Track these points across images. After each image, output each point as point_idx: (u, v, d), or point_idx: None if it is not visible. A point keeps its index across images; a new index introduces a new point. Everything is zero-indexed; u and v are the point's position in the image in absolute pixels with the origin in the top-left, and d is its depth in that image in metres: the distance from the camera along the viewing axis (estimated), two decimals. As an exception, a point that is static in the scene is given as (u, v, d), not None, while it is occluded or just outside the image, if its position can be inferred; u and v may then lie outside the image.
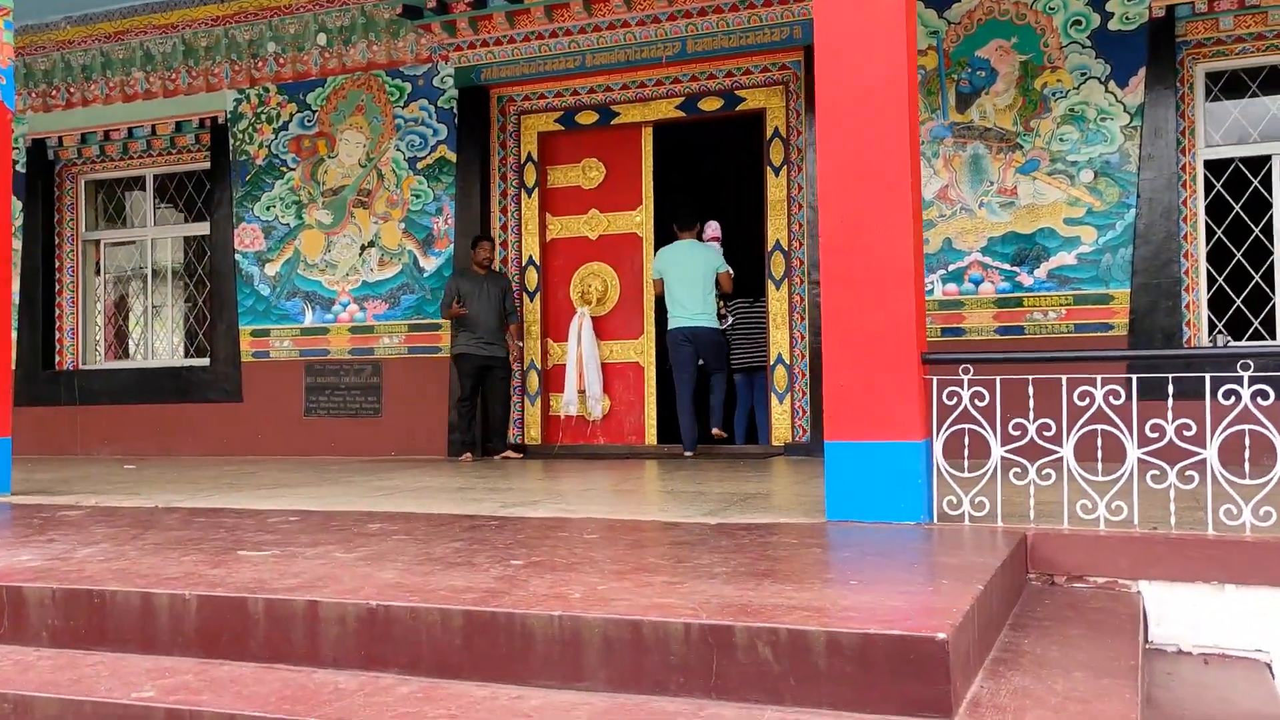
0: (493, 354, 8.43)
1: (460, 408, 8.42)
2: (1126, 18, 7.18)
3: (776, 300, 8.29)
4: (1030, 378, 4.14)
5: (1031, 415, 4.06)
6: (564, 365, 8.85)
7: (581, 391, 8.75)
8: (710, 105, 8.53)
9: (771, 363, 8.31)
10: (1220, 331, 7.15)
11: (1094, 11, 7.26)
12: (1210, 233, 7.23)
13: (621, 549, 3.72)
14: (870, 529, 4.09)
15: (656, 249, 8.81)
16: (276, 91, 9.78)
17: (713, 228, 8.93)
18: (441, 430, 8.99)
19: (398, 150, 9.33)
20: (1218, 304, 7.28)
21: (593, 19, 8.54)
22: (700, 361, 8.39)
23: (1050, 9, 7.38)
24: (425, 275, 9.21)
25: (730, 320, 9.03)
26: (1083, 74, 7.27)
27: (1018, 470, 4.11)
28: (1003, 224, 7.46)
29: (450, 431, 8.84)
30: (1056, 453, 4.02)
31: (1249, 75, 7.19)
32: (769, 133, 8.36)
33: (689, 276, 8.27)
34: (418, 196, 9.26)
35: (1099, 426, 3.95)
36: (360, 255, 9.43)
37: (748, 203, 9.85)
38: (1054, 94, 7.35)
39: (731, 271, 8.59)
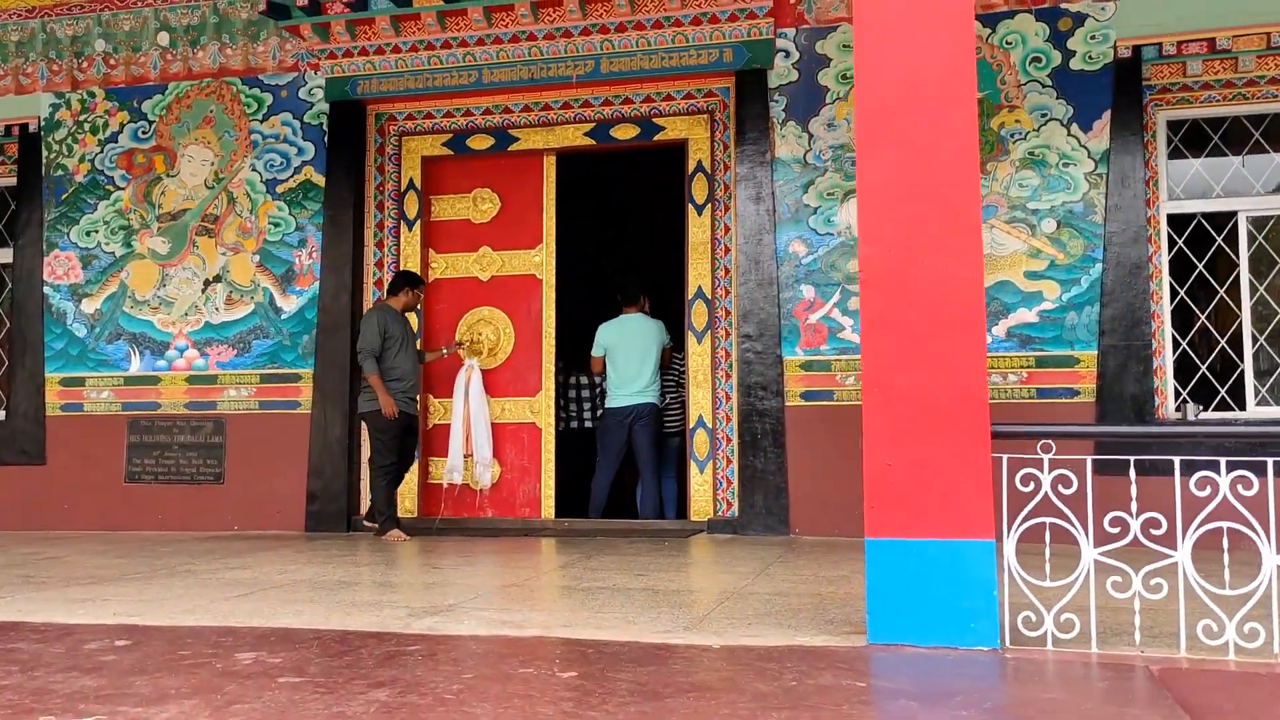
0: (414, 410, 7.18)
1: (389, 474, 6.98)
2: (1090, 56, 6.61)
3: (698, 355, 7.31)
4: (1131, 459, 3.24)
5: (1135, 508, 3.16)
6: (448, 425, 7.60)
7: (468, 456, 7.52)
8: (624, 133, 7.56)
9: (691, 425, 7.30)
10: (1186, 401, 6.56)
11: (1055, 49, 6.67)
12: (1173, 293, 6.67)
13: (633, 706, 2.58)
14: (934, 659, 3.08)
15: (559, 292, 7.74)
16: (104, 97, 8.27)
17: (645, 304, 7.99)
18: (297, 500, 7.57)
19: (254, 171, 7.97)
20: (1179, 370, 6.70)
21: (492, 29, 7.46)
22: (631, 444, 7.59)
23: (1007, 44, 6.75)
24: (283, 317, 7.82)
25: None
26: (1043, 115, 6.65)
27: (1116, 579, 3.19)
28: (957, 276, 6.71)
29: (377, 505, 7.43)
30: (1168, 556, 3.13)
31: (1211, 126, 6.71)
32: (691, 166, 7.43)
33: (640, 352, 7.53)
34: (277, 225, 7.90)
35: (1224, 524, 3.07)
36: (203, 292, 7.96)
37: (666, 245, 8.90)
38: (1012, 135, 6.69)
39: (671, 345, 7.77)
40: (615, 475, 7.57)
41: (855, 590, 4.44)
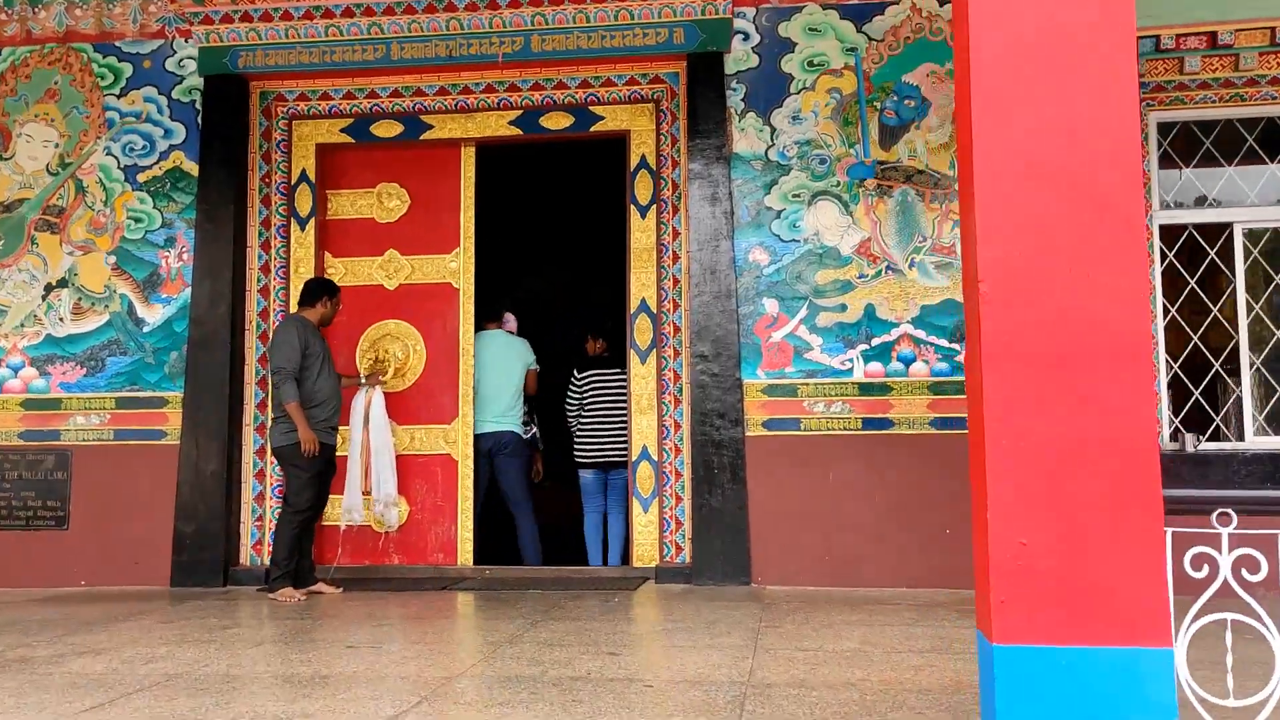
0: (333, 441, 6.01)
1: (302, 520, 5.80)
2: (1082, 49, 5.97)
3: (641, 378, 6.38)
4: (1339, 532, 2.47)
5: (1349, 597, 2.38)
6: (344, 458, 6.47)
7: (366, 493, 6.41)
8: (557, 123, 6.59)
9: (634, 457, 6.36)
10: (1181, 431, 5.96)
11: (1044, 39, 6.01)
12: (1164, 311, 6.08)
13: None
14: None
15: (479, 305, 6.72)
16: (-78, 62, 6.86)
17: (510, 321, 7.04)
18: (160, 549, 6.32)
19: (109, 155, 6.69)
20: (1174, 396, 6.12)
21: (404, -4, 6.41)
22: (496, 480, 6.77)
23: (991, 32, 6.06)
24: (145, 330, 6.56)
25: (576, 404, 7.04)
26: (1033, 112, 5.97)
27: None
28: (939, 289, 5.98)
29: (276, 553, 6.22)
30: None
31: (1203, 130, 6.16)
32: (634, 162, 6.51)
33: (500, 374, 6.76)
34: (138, 221, 6.64)
35: None
36: (44, 299, 6.64)
37: (603, 251, 7.96)
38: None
39: (539, 369, 6.94)
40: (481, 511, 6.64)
41: (898, 677, 3.58)
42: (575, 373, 7.02)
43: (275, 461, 6.08)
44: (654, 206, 6.46)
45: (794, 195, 6.14)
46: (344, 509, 6.35)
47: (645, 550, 6.30)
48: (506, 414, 6.74)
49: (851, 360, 6.00)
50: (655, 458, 6.31)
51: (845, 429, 5.96)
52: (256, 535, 6.41)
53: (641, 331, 6.40)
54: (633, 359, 6.40)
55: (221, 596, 5.90)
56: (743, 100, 6.23)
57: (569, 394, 7.03)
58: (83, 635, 4.61)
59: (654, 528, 6.30)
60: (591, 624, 4.69)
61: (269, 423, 5.98)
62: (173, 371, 6.50)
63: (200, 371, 6.44)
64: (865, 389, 5.97)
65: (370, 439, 6.37)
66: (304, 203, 6.73)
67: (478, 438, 6.63)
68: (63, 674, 3.82)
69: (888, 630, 4.50)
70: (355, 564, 6.55)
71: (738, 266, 6.13)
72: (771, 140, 6.19)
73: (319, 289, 6.08)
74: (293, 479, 5.83)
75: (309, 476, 5.77)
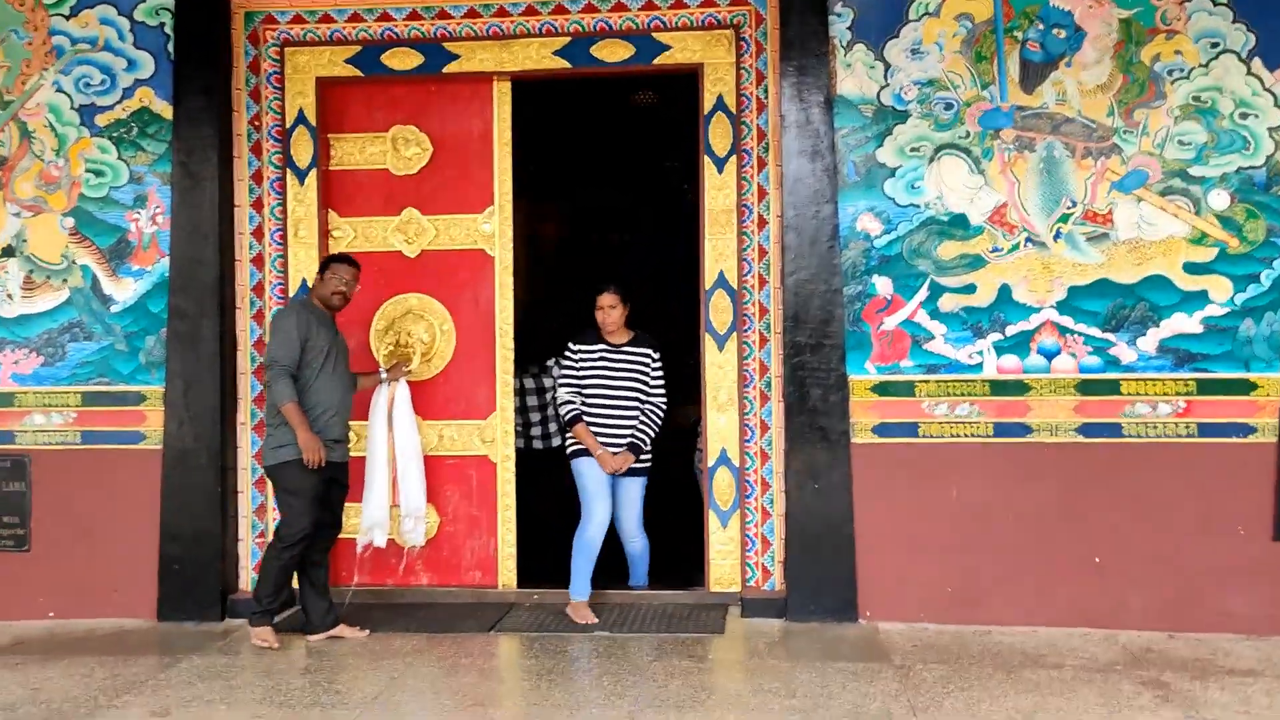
0: (342, 457, 4.92)
1: (291, 550, 4.73)
2: (1280, -36, 4.82)
3: (718, 367, 5.30)
4: None
5: None
6: (360, 463, 5.39)
7: (394, 506, 5.36)
8: (612, 53, 5.37)
9: (710, 463, 5.32)
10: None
11: (1230, -50, 4.84)
12: (1353, 289, 5.04)
13: None
14: None
15: (519, 274, 5.60)
16: None
17: None
18: (144, 575, 5.26)
19: (59, 92, 5.43)
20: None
21: (424, -107, 5.13)
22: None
23: (1163, -57, 4.89)
24: (114, 310, 5.40)
25: (574, 384, 5.68)
26: (1214, 45, 4.83)
27: None
28: (1091, 267, 4.90)
29: (260, 588, 5.23)
30: None
31: None
32: (708, 103, 5.33)
33: None
34: (99, 175, 5.42)
35: None
36: (-12, 270, 5.46)
37: (674, 212, 6.79)
38: (1170, 73, 4.86)
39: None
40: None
41: None
42: (572, 346, 5.24)
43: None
44: (733, 158, 5.29)
45: (912, 149, 5.00)
46: (365, 526, 5.28)
47: (724, 573, 5.30)
48: None
49: (981, 353, 4.94)
50: (737, 464, 5.27)
51: (973, 436, 4.93)
52: (258, 556, 5.34)
53: (718, 311, 5.30)
54: (707, 344, 5.31)
55: (220, 640, 4.87)
56: (849, 29, 5.04)
57: (565, 370, 5.25)
58: (50, 701, 3.58)
59: (735, 545, 5.28)
60: (682, 687, 3.70)
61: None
62: (150, 361, 5.36)
63: (184, 361, 5.30)
64: (998, 388, 4.92)
65: (395, 442, 5.28)
66: (302, 150, 5.51)
67: None
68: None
69: (1084, 729, 3.54)
70: (375, 584, 5.52)
71: (842, 237, 5.02)
72: (885, 80, 5.02)
73: (325, 264, 4.94)
74: (286, 505, 4.75)
75: (305, 501, 4.69)
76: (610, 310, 5.13)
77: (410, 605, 5.36)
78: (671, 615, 5.09)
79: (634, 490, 5.23)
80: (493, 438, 5.53)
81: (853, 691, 3.95)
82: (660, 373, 5.22)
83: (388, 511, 5.29)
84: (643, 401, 5.16)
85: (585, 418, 5.11)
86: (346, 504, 5.44)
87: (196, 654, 4.64)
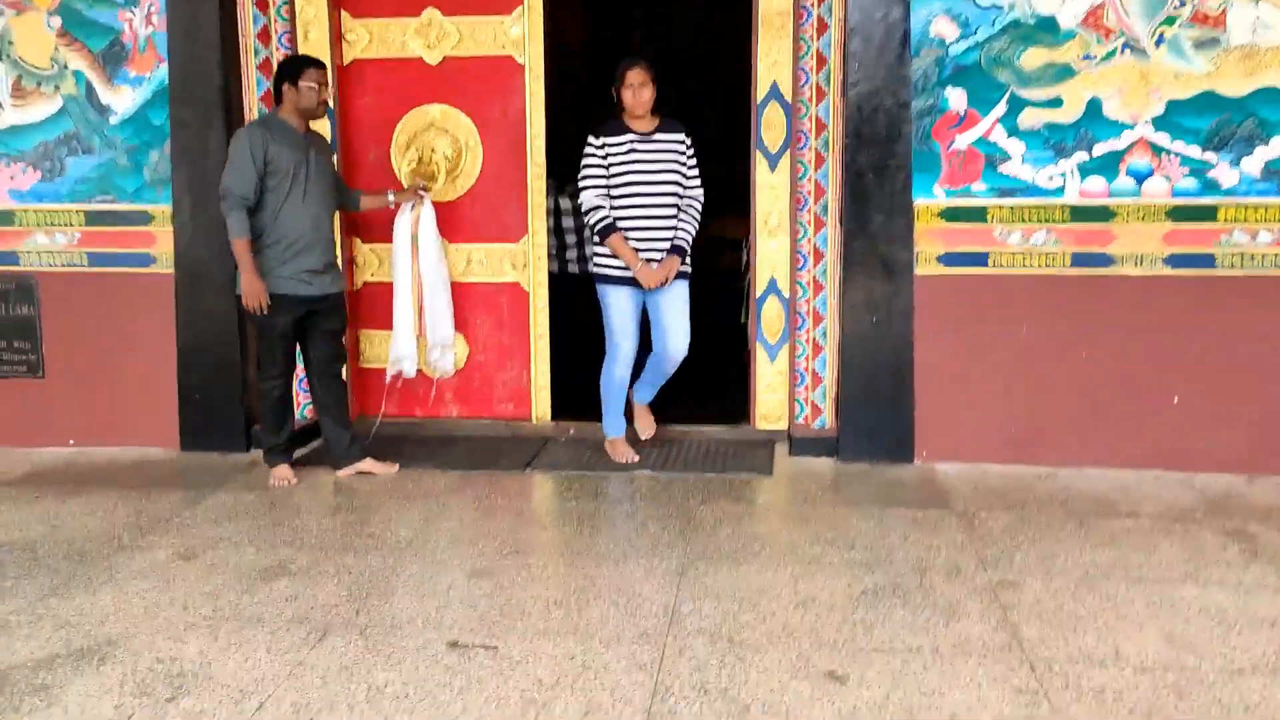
0: (324, 289, 4.48)
1: (271, 387, 4.47)
2: None
3: (770, 188, 4.86)
4: None
5: None
6: (384, 285, 5.08)
7: (420, 336, 5.06)
8: None
9: (759, 292, 4.96)
10: None
11: None
12: None
13: None
14: None
15: (550, 84, 5.09)
16: None
17: None
18: (164, 405, 5.04)
19: None
20: None
21: None
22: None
23: None
24: (113, 121, 4.97)
25: (601, 184, 5.14)
26: None
27: None
28: (1195, 77, 4.36)
29: (260, 428, 4.96)
30: None
31: None
32: (766, -115, 4.69)
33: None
34: (85, -33, 4.89)
35: None
36: (-27, 76, 5.00)
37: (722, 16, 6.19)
38: None
39: None
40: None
41: None
42: (594, 140, 4.50)
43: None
44: (792, -50, 4.69)
45: (1000, -62, 4.39)
46: (392, 359, 5.00)
47: (770, 409, 5.02)
48: None
49: (1063, 175, 4.47)
50: (787, 294, 4.91)
51: (1048, 267, 4.52)
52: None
53: (771, 127, 4.82)
54: (758, 163, 4.86)
55: (245, 473, 4.67)
56: None
57: (589, 171, 4.51)
58: (75, 539, 3.40)
59: (783, 380, 4.98)
60: (740, 569, 3.47)
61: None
62: (155, 178, 4.96)
63: (190, 177, 4.91)
64: (1079, 214, 4.48)
65: (420, 269, 4.93)
66: (309, -58, 4.93)
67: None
68: (51, 621, 2.63)
69: (1198, 595, 3.29)
70: (403, 416, 5.29)
71: (913, 43, 4.48)
72: None
73: (278, 72, 4.41)
74: (257, 340, 4.49)
75: (273, 340, 4.39)
76: (640, 89, 4.40)
77: (442, 438, 5.14)
78: (715, 453, 4.84)
79: (679, 297, 4.54)
80: (525, 262, 5.17)
81: (915, 543, 3.70)
82: (695, 160, 4.58)
83: (415, 341, 4.99)
84: (680, 196, 4.51)
85: (619, 225, 4.44)
86: (375, 332, 5.18)
87: (222, 489, 4.45)
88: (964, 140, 4.51)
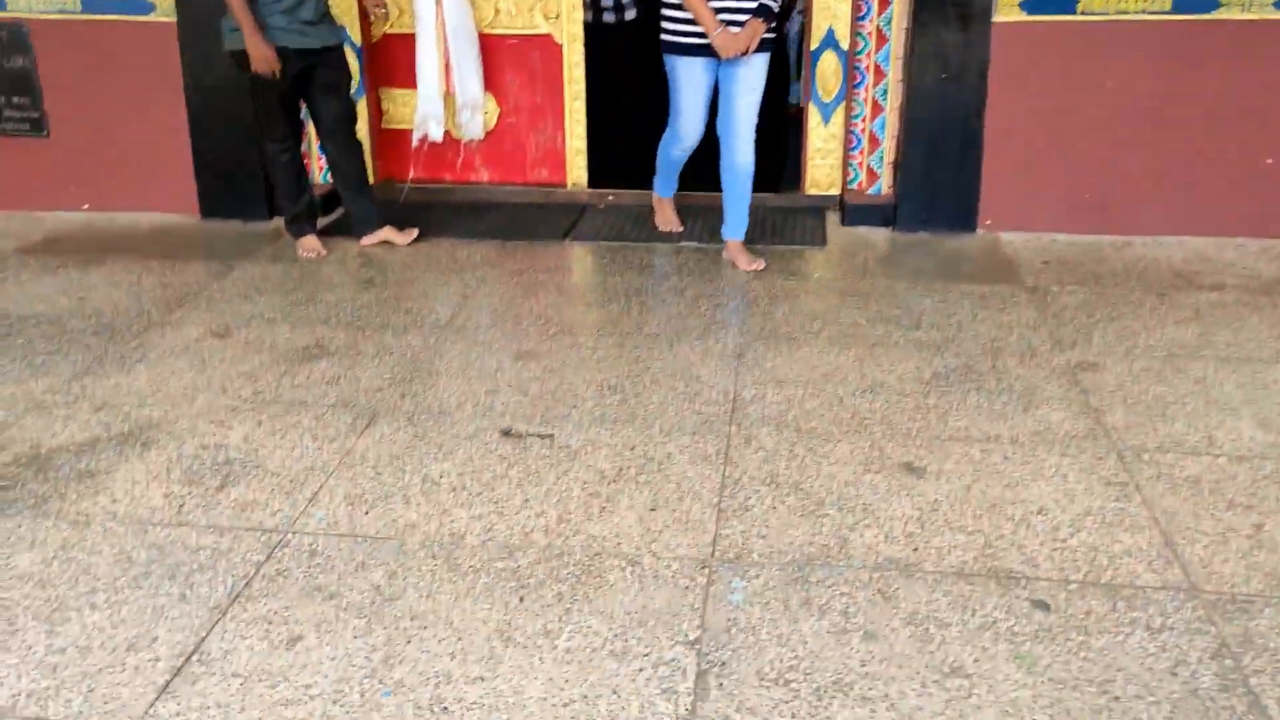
0: (322, 39, 4.05)
1: (278, 151, 4.16)
2: None
3: (832, -77, 4.34)
4: None
5: None
6: (405, 38, 4.67)
7: (447, 95, 4.69)
8: None
9: (813, 46, 4.52)
10: None
11: None
12: None
13: None
14: None
15: None
16: None
17: None
18: (179, 168, 4.76)
19: None
20: None
21: None
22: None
23: None
24: None
25: None
26: None
27: None
28: None
29: (277, 197, 4.71)
30: None
31: None
32: None
33: None
34: None
35: None
36: None
37: None
38: None
39: None
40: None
41: None
42: None
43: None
44: None
45: None
46: (418, 119, 4.69)
47: (823, 175, 4.70)
48: None
49: (1173, -86, 3.95)
50: (845, 47, 4.48)
51: (1145, 11, 4.07)
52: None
53: None
54: (820, -106, 4.31)
55: (270, 243, 4.44)
56: None
57: None
58: (103, 316, 3.26)
59: (838, 144, 4.64)
60: (800, 351, 3.29)
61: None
62: (146, -87, 4.47)
63: (186, -86, 4.41)
64: None
65: (445, 21, 4.51)
66: None
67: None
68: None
69: None
70: (432, 181, 5.00)
71: None
72: None
73: None
74: (254, 102, 4.11)
75: (271, 102, 4.03)
76: None
77: (474, 205, 4.87)
78: (764, 222, 4.56)
79: (755, 73, 3.80)
80: (557, 12, 4.72)
81: (985, 321, 3.49)
82: None
83: (441, 101, 4.65)
84: None
85: None
86: (398, 91, 4.81)
87: (248, 260, 4.24)
88: None
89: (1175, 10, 4.04)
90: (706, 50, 3.76)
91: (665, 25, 3.85)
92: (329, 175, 4.48)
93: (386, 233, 4.36)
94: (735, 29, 3.70)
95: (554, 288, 3.91)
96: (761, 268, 3.97)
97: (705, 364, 3.20)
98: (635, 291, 3.83)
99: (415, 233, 4.38)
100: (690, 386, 3.06)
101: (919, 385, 3.05)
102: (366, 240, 4.34)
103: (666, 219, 4.43)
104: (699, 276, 3.96)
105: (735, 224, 4.04)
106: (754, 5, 3.69)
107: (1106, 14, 4.08)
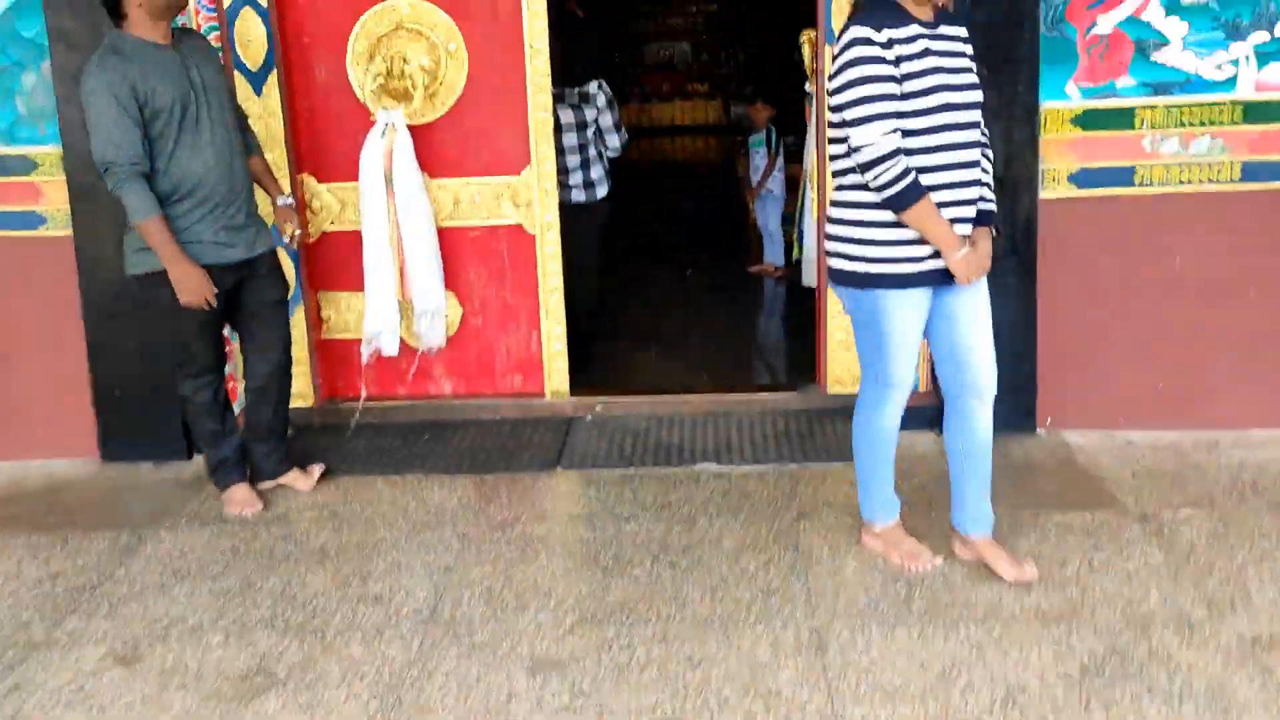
0: (251, 248, 3.30)
1: (196, 389, 3.38)
2: None
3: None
4: None
5: None
6: (353, 239, 3.97)
7: (402, 300, 3.98)
8: None
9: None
10: None
11: None
12: None
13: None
14: None
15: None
16: None
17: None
18: (75, 401, 3.92)
19: None
20: None
21: None
22: None
23: None
24: (-33, 36, 3.71)
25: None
26: None
27: None
28: None
29: (198, 442, 3.87)
30: None
31: None
32: None
33: None
34: None
35: None
36: None
37: None
38: None
39: None
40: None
41: None
42: (870, 33, 2.57)
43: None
44: None
45: None
46: (369, 333, 3.95)
47: (845, 367, 4.05)
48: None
49: (1235, 63, 3.48)
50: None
51: (1211, 181, 3.57)
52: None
53: (844, 17, 3.73)
54: (828, 64, 3.78)
55: (192, 496, 3.60)
56: None
57: (870, 86, 2.56)
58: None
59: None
60: (894, 635, 2.55)
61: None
62: (34, 110, 3.74)
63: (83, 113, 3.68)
64: (1255, 112, 3.51)
65: (398, 212, 3.84)
66: None
67: None
68: None
69: None
70: (384, 397, 4.23)
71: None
72: None
73: None
74: (170, 331, 3.31)
75: (194, 326, 3.25)
76: None
77: (438, 425, 4.11)
78: (789, 432, 3.88)
79: (984, 300, 2.84)
80: (529, 199, 4.06)
81: (1107, 573, 2.80)
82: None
83: (397, 309, 3.93)
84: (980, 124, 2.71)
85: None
86: (340, 294, 4.10)
87: (163, 525, 3.38)
88: (1108, 22, 3.48)
89: (1245, 178, 3.54)
90: (926, 278, 2.69)
91: (854, 251, 2.71)
92: (246, 403, 3.65)
93: (290, 477, 3.57)
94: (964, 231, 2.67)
95: (557, 546, 3.14)
96: (1034, 578, 2.77)
97: (780, 666, 2.44)
98: (661, 546, 3.07)
99: (318, 471, 3.60)
100: (770, 708, 2.29)
101: (1068, 687, 2.33)
102: (264, 486, 3.53)
103: (915, 554, 2.90)
104: (733, 517, 3.23)
105: (981, 514, 2.87)
106: (975, 209, 2.69)
107: (1168, 185, 3.57)
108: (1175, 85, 3.50)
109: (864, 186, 2.64)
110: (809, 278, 4.60)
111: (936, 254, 2.64)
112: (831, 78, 2.65)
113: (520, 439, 3.94)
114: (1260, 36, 3.44)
